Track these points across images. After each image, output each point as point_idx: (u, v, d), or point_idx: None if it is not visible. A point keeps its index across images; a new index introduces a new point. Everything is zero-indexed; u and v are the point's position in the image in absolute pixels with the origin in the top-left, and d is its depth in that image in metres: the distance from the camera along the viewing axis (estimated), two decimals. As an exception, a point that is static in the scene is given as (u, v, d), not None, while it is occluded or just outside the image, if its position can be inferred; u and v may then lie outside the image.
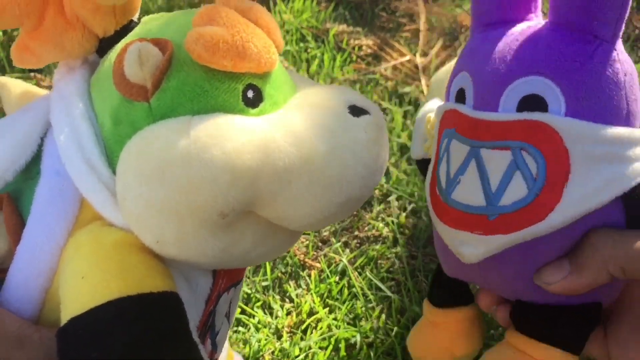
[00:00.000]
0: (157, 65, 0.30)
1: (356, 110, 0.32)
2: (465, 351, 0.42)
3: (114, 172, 0.31)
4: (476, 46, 0.35)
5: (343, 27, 1.20)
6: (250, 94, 0.31)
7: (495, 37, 0.34)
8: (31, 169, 0.33)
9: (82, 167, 0.31)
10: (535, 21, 0.34)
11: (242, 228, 0.31)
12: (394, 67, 1.10)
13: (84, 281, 0.29)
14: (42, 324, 0.32)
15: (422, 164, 0.40)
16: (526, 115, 0.31)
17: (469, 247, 0.34)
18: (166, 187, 0.29)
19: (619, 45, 0.32)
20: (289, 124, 0.31)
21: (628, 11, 0.31)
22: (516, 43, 0.33)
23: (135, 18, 0.35)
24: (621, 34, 0.32)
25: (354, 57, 1.13)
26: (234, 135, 0.29)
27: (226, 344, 0.46)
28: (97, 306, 0.28)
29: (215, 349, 0.39)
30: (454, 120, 0.35)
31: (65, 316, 0.29)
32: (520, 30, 0.33)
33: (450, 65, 0.49)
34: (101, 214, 0.32)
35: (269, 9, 1.32)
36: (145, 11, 1.22)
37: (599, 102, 0.31)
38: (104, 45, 0.34)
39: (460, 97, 0.35)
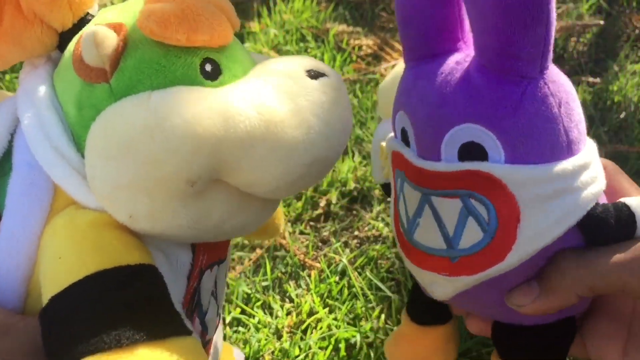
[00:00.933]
0: (112, 46, 0.31)
1: (314, 74, 0.33)
2: None
3: (83, 157, 0.32)
4: (410, 85, 0.35)
5: (343, 27, 1.20)
6: (208, 67, 0.32)
7: (424, 75, 0.34)
8: (3, 165, 0.33)
9: (52, 155, 0.32)
10: (464, 53, 0.33)
11: (212, 197, 0.32)
12: (394, 67, 1.11)
13: (61, 261, 0.30)
14: (28, 314, 0.32)
15: (386, 188, 0.41)
16: (468, 165, 0.31)
17: (437, 287, 0.35)
18: (131, 162, 0.29)
19: (551, 75, 0.31)
20: (248, 90, 0.32)
21: (552, 40, 0.30)
22: (447, 86, 0.32)
23: (93, 11, 0.36)
24: (548, 64, 0.31)
25: (354, 57, 1.13)
26: (193, 103, 0.30)
27: (220, 333, 0.45)
28: (74, 282, 0.29)
29: (205, 330, 0.39)
30: (402, 163, 0.35)
31: (46, 297, 0.30)
32: (449, 70, 0.32)
33: (395, 72, 0.48)
34: (75, 199, 0.32)
35: (268, 9, 1.32)
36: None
37: (537, 143, 0.30)
38: (64, 40, 0.34)
39: (404, 137, 0.35)
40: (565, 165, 0.31)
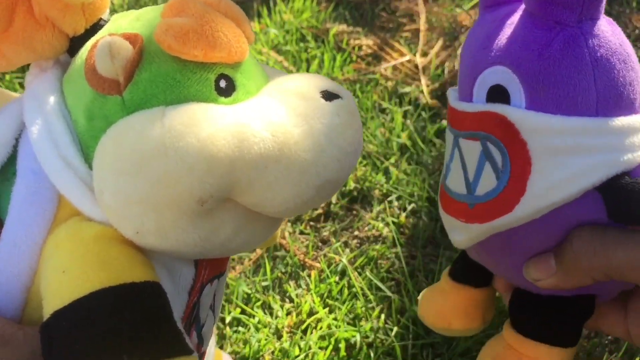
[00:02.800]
0: (128, 58, 0.30)
1: (328, 95, 0.33)
2: (461, 327, 0.43)
3: (90, 167, 0.31)
4: (470, 33, 0.35)
5: (343, 27, 1.20)
6: (222, 83, 0.32)
7: (484, 22, 0.34)
8: (7, 170, 0.33)
9: (58, 164, 0.31)
10: (523, 5, 0.33)
11: (221, 216, 0.32)
12: (394, 67, 1.10)
13: (64, 275, 0.30)
14: (25, 323, 0.32)
15: None
16: (488, 107, 0.32)
17: (456, 233, 0.36)
18: (143, 179, 0.29)
19: (596, 28, 0.30)
20: (262, 110, 0.31)
21: None
22: (493, 31, 0.33)
23: (105, 16, 0.35)
24: (597, 15, 0.30)
25: (354, 57, 1.13)
26: (208, 122, 0.29)
27: (212, 342, 0.45)
28: (78, 298, 0.29)
29: (201, 342, 0.39)
30: (449, 109, 0.36)
31: (48, 311, 0.29)
32: (503, 17, 0.33)
33: None
34: (80, 210, 0.32)
35: (268, 9, 1.32)
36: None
37: (559, 93, 0.30)
38: (75, 45, 0.34)
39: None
40: (587, 123, 0.30)
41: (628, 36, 1.24)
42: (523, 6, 0.32)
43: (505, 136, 0.31)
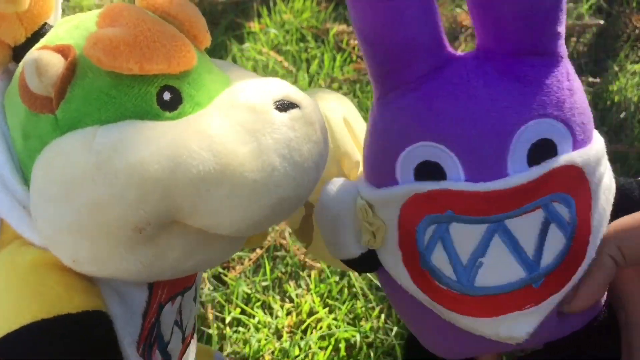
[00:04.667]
0: (57, 74, 0.28)
1: (284, 105, 0.30)
2: None
3: (29, 188, 0.30)
4: (423, 111, 0.30)
5: (343, 27, 1.20)
6: (166, 96, 0.29)
7: (437, 92, 0.30)
8: None
9: None
10: (460, 57, 0.30)
11: (167, 240, 0.29)
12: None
13: None
14: None
15: (366, 261, 0.35)
16: (546, 167, 0.28)
17: (520, 326, 0.31)
18: (72, 207, 0.27)
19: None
20: (204, 128, 0.29)
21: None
22: (485, 92, 0.28)
23: (52, 20, 0.33)
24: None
25: (354, 57, 1.13)
26: (139, 146, 0.27)
27: (192, 350, 0.44)
28: (10, 332, 0.27)
29: (168, 359, 0.38)
30: (441, 202, 0.30)
31: None
32: (468, 76, 0.29)
33: (334, 99, 0.40)
34: (19, 233, 0.30)
35: (268, 9, 1.32)
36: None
37: (589, 118, 0.30)
38: (19, 53, 0.32)
39: (427, 173, 0.30)
40: (600, 147, 0.30)
41: (628, 36, 1.23)
42: (474, 62, 0.30)
43: (573, 185, 0.29)
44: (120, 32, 0.28)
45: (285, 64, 1.10)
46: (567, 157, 0.28)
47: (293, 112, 0.30)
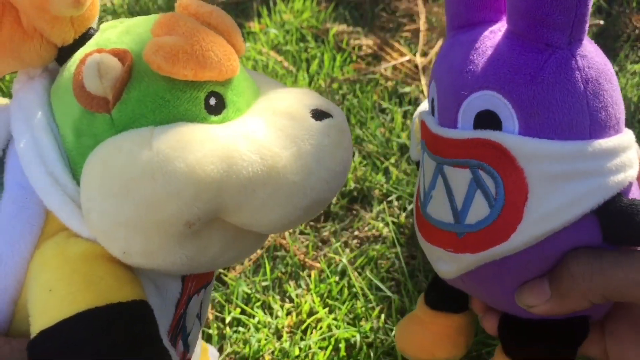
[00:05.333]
0: (116, 77, 0.30)
1: (319, 114, 0.32)
2: (446, 355, 0.42)
3: (78, 183, 0.31)
4: (443, 54, 0.34)
5: (343, 27, 1.20)
6: (212, 101, 0.31)
7: (459, 43, 0.33)
8: None
9: (46, 180, 0.31)
10: (501, 24, 0.32)
11: (209, 235, 0.31)
12: (394, 67, 1.10)
13: (51, 294, 0.29)
14: (13, 334, 0.32)
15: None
16: (480, 134, 0.30)
17: (443, 264, 0.34)
18: (131, 202, 0.29)
19: (583, 49, 0.30)
20: (251, 132, 0.31)
21: (589, 11, 0.28)
22: (474, 53, 0.31)
23: (95, 25, 0.35)
24: (583, 36, 0.29)
25: (354, 57, 1.13)
26: (196, 146, 0.29)
27: (198, 343, 0.46)
28: (64, 319, 0.28)
29: (187, 349, 0.39)
30: (424, 132, 0.34)
31: (35, 329, 0.29)
32: (482, 38, 0.32)
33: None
34: (68, 227, 0.31)
35: (268, 9, 1.31)
36: (145, 12, 1.22)
37: (554, 117, 0.29)
38: (64, 54, 0.33)
39: (432, 108, 0.34)
40: (583, 146, 0.29)
41: (628, 36, 1.24)
42: (502, 27, 0.31)
43: (500, 164, 0.30)
44: (179, 41, 0.30)
45: (285, 64, 1.10)
46: (497, 134, 0.30)
47: (327, 121, 0.33)
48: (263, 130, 0.31)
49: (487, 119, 0.30)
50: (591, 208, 0.29)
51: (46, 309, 0.29)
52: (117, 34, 0.32)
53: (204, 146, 0.29)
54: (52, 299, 0.29)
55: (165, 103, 0.30)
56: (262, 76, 0.38)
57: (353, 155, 0.92)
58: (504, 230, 0.30)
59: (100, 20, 0.35)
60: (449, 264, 0.34)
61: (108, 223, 0.30)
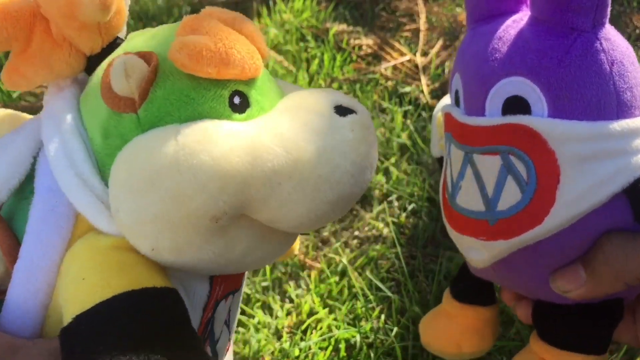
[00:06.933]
0: (143, 77, 0.30)
1: (342, 110, 0.33)
2: (473, 349, 0.42)
3: (106, 185, 0.31)
4: (465, 46, 0.35)
5: (343, 26, 1.20)
6: (236, 100, 0.32)
7: (481, 34, 0.33)
8: (25, 188, 0.33)
9: (75, 182, 0.31)
10: (523, 14, 0.33)
11: (236, 232, 0.32)
12: (394, 67, 1.10)
13: (84, 282, 0.30)
14: None
15: (442, 162, 0.40)
16: (509, 119, 0.31)
17: (475, 253, 0.34)
18: (157, 197, 0.29)
19: (606, 32, 0.30)
20: (276, 127, 0.31)
21: None
22: (498, 42, 0.32)
23: (122, 35, 0.35)
24: (606, 20, 0.30)
25: (354, 57, 1.13)
26: (221, 140, 0.30)
27: (230, 358, 0.45)
28: (101, 302, 0.29)
29: (216, 357, 0.39)
30: (450, 124, 0.35)
31: (67, 318, 0.29)
32: (505, 27, 0.32)
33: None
34: (96, 227, 0.32)
35: (268, 9, 1.31)
36: (145, 12, 1.22)
37: (582, 98, 0.30)
38: (92, 63, 0.34)
39: (457, 99, 0.35)
40: (613, 126, 0.29)
41: (628, 36, 1.24)
42: (524, 16, 0.32)
43: (531, 147, 0.30)
44: (203, 40, 0.31)
45: (285, 63, 1.10)
46: (527, 118, 0.30)
47: (351, 117, 0.33)
48: (287, 124, 0.31)
49: (516, 105, 0.31)
50: (621, 187, 0.30)
51: (79, 296, 0.29)
52: (143, 40, 0.33)
53: (229, 140, 0.30)
54: (85, 287, 0.29)
55: (190, 101, 0.31)
56: (286, 83, 0.38)
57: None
58: (537, 214, 0.31)
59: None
60: (481, 253, 0.34)
61: (135, 219, 0.30)
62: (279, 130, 0.31)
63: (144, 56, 0.31)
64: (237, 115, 0.32)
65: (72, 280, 0.30)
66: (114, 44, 0.34)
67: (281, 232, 0.33)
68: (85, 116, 0.33)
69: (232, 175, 0.29)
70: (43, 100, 0.35)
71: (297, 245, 0.53)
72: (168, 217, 0.29)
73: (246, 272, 0.42)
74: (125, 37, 0.35)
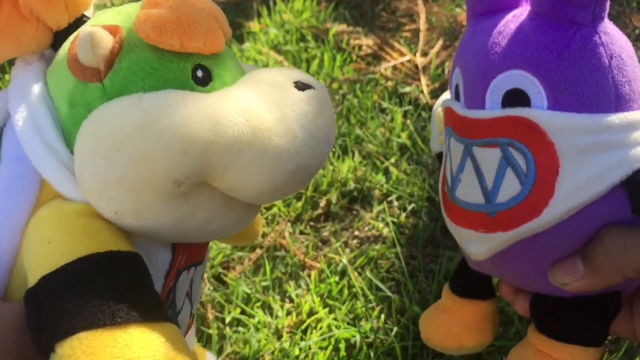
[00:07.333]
0: (108, 48, 0.32)
1: (301, 85, 0.34)
2: (473, 343, 0.42)
3: (72, 152, 0.33)
4: (466, 41, 0.35)
5: (343, 27, 1.20)
6: (199, 73, 0.33)
7: (482, 29, 0.34)
8: None
9: (41, 149, 0.33)
10: (522, 9, 0.33)
11: (197, 199, 0.33)
12: (394, 67, 1.10)
13: (50, 245, 0.30)
14: None
15: (441, 158, 0.40)
16: (509, 112, 0.31)
17: (474, 245, 0.35)
18: (120, 160, 0.30)
19: (605, 26, 0.31)
20: (237, 97, 0.33)
21: None
22: (498, 36, 0.32)
23: (89, 13, 0.37)
24: (605, 14, 0.30)
25: (354, 57, 1.13)
26: (183, 107, 0.31)
27: (192, 336, 0.46)
28: (67, 263, 0.29)
29: (178, 327, 0.40)
30: (450, 118, 0.35)
31: (34, 279, 0.29)
32: (505, 22, 0.33)
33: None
34: (61, 193, 0.33)
35: (268, 9, 1.31)
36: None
37: (581, 91, 0.30)
38: (59, 39, 0.35)
39: (457, 94, 0.35)
40: (611, 118, 0.30)
41: (628, 36, 1.25)
42: (524, 11, 0.32)
43: (530, 140, 0.31)
44: (166, 12, 0.32)
45: (285, 63, 1.10)
46: (526, 110, 0.31)
47: (309, 92, 0.34)
48: (248, 95, 0.33)
49: (515, 97, 0.31)
50: (619, 179, 0.30)
51: (46, 258, 0.30)
52: (109, 17, 0.35)
53: (191, 107, 0.31)
54: (52, 249, 0.30)
55: (154, 71, 0.32)
56: (248, 65, 0.40)
57: (353, 155, 0.92)
58: (536, 206, 0.31)
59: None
60: (480, 245, 0.34)
61: (99, 183, 0.31)
62: (239, 100, 0.32)
63: (110, 29, 0.32)
64: (200, 88, 0.33)
65: (38, 244, 0.31)
66: (81, 21, 0.36)
67: (242, 203, 0.35)
68: (51, 87, 0.34)
69: (193, 139, 0.30)
70: (11, 74, 0.36)
71: (260, 230, 0.54)
72: (131, 180, 0.30)
73: (208, 245, 0.43)
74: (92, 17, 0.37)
